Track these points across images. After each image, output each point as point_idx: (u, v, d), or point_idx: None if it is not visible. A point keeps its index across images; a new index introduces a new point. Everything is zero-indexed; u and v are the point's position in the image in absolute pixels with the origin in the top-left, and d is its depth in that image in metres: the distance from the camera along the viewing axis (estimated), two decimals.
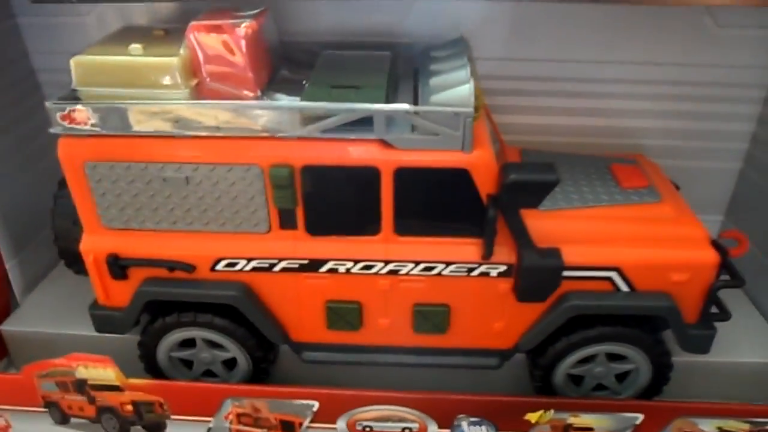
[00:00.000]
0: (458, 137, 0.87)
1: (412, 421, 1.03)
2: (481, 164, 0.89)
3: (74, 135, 0.91)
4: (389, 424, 1.04)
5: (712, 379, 1.10)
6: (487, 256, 0.92)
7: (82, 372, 1.03)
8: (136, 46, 0.93)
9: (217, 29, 0.92)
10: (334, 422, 1.04)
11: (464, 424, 1.02)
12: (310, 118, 0.88)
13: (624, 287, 0.98)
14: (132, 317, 1.03)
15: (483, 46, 1.16)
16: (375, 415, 1.03)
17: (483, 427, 1.02)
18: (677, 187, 1.16)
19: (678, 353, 1.03)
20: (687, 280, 0.96)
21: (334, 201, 0.94)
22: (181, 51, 0.92)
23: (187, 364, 1.10)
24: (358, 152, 0.89)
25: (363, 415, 1.03)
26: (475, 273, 0.97)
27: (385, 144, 0.89)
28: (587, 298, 0.97)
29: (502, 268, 0.96)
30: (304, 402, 1.03)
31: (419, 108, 0.86)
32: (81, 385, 1.04)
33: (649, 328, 1.01)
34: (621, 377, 1.07)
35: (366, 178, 0.91)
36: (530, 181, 0.86)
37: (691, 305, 0.99)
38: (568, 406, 0.99)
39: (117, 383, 1.03)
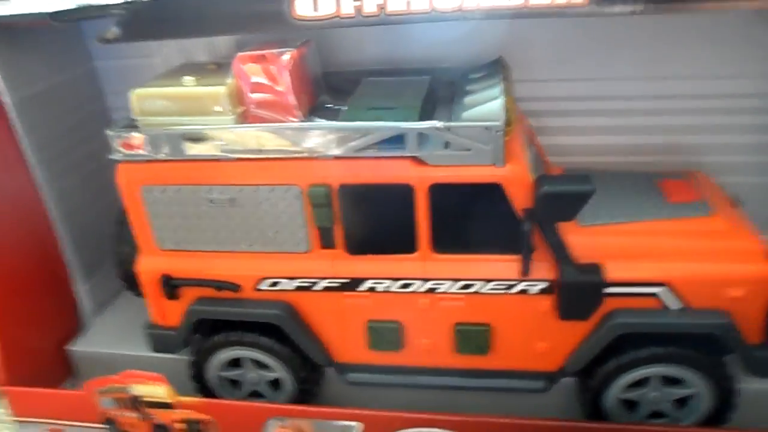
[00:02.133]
0: (489, 151, 0.87)
1: None
2: (514, 178, 0.88)
3: (131, 161, 0.98)
4: None
5: None
6: (525, 272, 0.91)
7: (137, 389, 1.08)
8: (189, 78, 1.00)
9: (261, 59, 0.98)
10: None
11: None
12: (346, 139, 0.91)
13: (674, 304, 0.93)
14: (183, 336, 1.07)
15: (525, 67, 1.16)
16: None
17: None
18: (739, 202, 1.11)
19: (749, 379, 0.97)
20: (743, 296, 0.91)
21: (371, 219, 0.96)
22: (228, 80, 0.98)
23: (236, 384, 1.13)
24: (392, 170, 0.91)
25: None
26: (515, 290, 0.95)
27: (419, 161, 0.91)
28: (634, 316, 0.93)
29: (543, 285, 0.94)
30: (347, 423, 1.03)
31: (450, 124, 0.88)
32: (135, 402, 1.09)
33: (708, 349, 0.95)
34: (681, 404, 1.00)
35: (401, 195, 0.92)
36: (564, 192, 0.85)
37: (753, 324, 0.93)
38: (617, 431, 0.94)
39: (169, 400, 1.07)
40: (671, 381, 0.98)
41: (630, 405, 1.01)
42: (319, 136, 0.92)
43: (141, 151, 0.97)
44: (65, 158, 1.23)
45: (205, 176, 0.97)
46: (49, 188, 1.19)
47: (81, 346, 1.26)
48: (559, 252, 0.91)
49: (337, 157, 0.93)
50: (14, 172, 1.15)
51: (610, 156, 1.25)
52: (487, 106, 0.89)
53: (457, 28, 1.17)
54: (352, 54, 1.23)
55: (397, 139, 0.90)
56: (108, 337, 1.27)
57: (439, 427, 1.00)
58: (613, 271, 0.92)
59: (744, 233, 0.95)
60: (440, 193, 0.91)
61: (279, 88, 0.98)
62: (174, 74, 1.05)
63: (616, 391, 0.99)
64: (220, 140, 0.95)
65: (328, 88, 1.11)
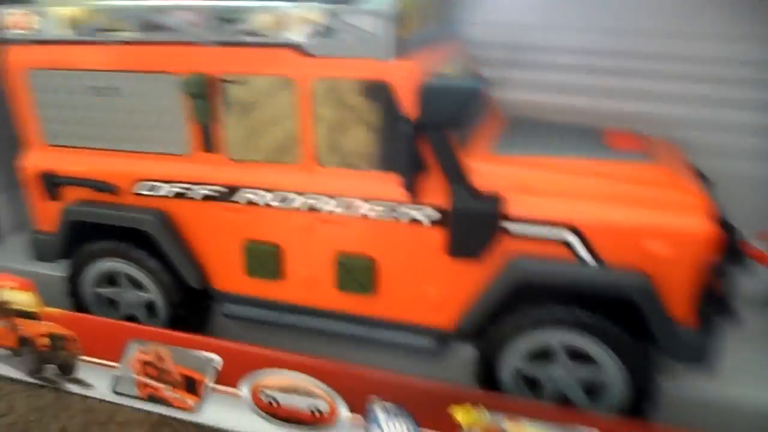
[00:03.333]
0: (378, 42, 0.76)
1: (321, 398, 0.86)
2: (404, 76, 0.76)
3: (20, 42, 0.92)
4: (296, 398, 0.87)
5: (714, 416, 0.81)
6: (406, 188, 0.76)
7: (7, 294, 1.00)
8: None
9: None
10: (237, 385, 0.90)
11: (379, 413, 0.83)
12: (224, 21, 0.82)
13: (587, 257, 0.77)
14: (61, 241, 0.99)
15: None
16: (281, 383, 0.88)
17: (400, 421, 0.82)
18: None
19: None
20: (669, 256, 0.74)
21: (253, 120, 0.85)
22: None
23: (113, 305, 1.03)
24: (272, 60, 0.81)
25: (268, 381, 0.88)
26: (404, 218, 0.81)
27: (303, 51, 0.80)
28: (535, 264, 0.77)
29: (436, 215, 0.80)
30: (208, 355, 0.91)
31: (335, 7, 0.77)
32: (4, 309, 1.00)
33: (625, 323, 0.77)
34: (592, 393, 0.82)
35: (284, 92, 0.81)
36: (446, 87, 0.72)
37: (681, 296, 0.75)
38: (503, 406, 0.77)
39: (35, 310, 0.98)
40: (580, 358, 0.80)
41: (533, 385, 0.84)
42: (197, 17, 0.83)
43: (28, 32, 0.91)
44: None
45: (88, 60, 0.90)
46: None
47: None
48: (451, 172, 0.77)
49: (220, 44, 0.83)
50: None
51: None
52: None
53: None
54: None
55: (280, 25, 0.80)
56: (23, 253, 1.21)
57: (302, 372, 0.86)
58: (516, 205, 0.77)
59: (684, 185, 0.78)
60: (324, 90, 0.80)
61: None
62: None
63: (512, 358, 0.82)
64: (107, 20, 0.87)
65: None
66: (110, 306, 1.03)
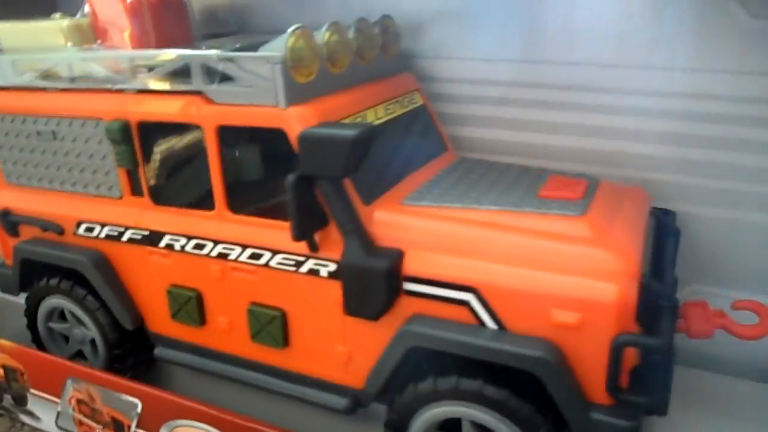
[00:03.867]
0: (271, 88, 0.73)
1: None
2: (298, 124, 0.73)
3: None
4: None
5: None
6: (295, 237, 0.72)
7: None
8: (56, 15, 0.98)
9: None
10: (157, 431, 0.89)
11: None
12: (139, 70, 0.83)
13: (489, 322, 0.69)
14: (16, 276, 1.03)
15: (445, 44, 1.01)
16: None
17: None
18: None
19: None
20: (577, 324, 0.65)
21: (171, 166, 0.85)
22: (78, 16, 0.95)
23: (67, 340, 1.05)
24: (181, 107, 0.80)
25: (183, 431, 0.87)
26: (304, 269, 0.77)
27: (206, 99, 0.79)
28: (428, 326, 0.71)
29: (333, 266, 0.75)
30: (130, 399, 0.90)
31: (230, 54, 0.75)
32: None
33: (538, 400, 0.69)
34: None
35: (193, 138, 0.81)
36: (323, 136, 0.67)
37: (594, 372, 0.66)
38: None
39: None
40: None
41: None
42: (117, 65, 0.84)
43: None
44: None
45: (32, 106, 0.93)
46: None
47: None
48: (344, 222, 0.72)
49: (139, 92, 0.84)
50: None
51: (549, 160, 1.01)
52: (277, 39, 0.75)
53: None
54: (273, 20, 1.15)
55: (187, 72, 0.79)
56: None
57: (208, 424, 0.83)
58: (413, 261, 0.72)
59: (609, 245, 0.68)
60: (229, 137, 0.78)
61: (123, 25, 0.92)
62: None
63: (420, 430, 0.75)
64: (44, 70, 0.91)
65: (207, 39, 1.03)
66: (64, 341, 1.05)
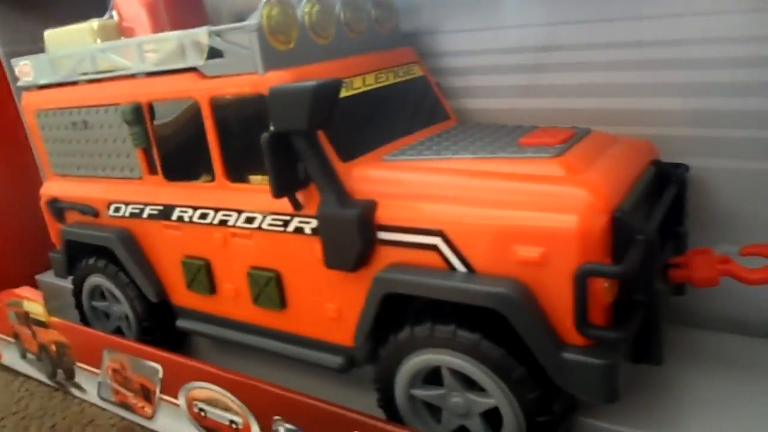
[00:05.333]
0: (250, 56, 0.78)
1: (237, 414, 0.87)
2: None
3: (28, 88, 1.09)
4: (218, 411, 0.89)
5: None
6: (274, 194, 0.75)
7: (27, 305, 1.16)
8: (94, 19, 1.09)
9: None
10: (176, 395, 0.94)
11: None
12: (144, 54, 0.90)
13: (458, 265, 0.69)
14: (65, 260, 1.13)
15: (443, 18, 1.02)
16: (207, 395, 0.90)
17: None
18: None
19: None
20: (540, 259, 0.63)
21: (178, 142, 0.91)
22: (106, 16, 1.05)
23: (108, 317, 1.14)
24: (180, 84, 0.87)
25: (197, 393, 0.91)
26: (290, 228, 0.81)
27: (200, 74, 0.84)
28: (398, 272, 0.71)
29: (315, 223, 0.78)
30: (152, 365, 0.96)
31: (215, 28, 0.81)
32: (26, 318, 1.17)
33: (509, 343, 0.68)
34: (495, 423, 0.72)
35: (193, 113, 0.87)
36: (284, 91, 0.70)
37: (558, 307, 0.64)
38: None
39: (44, 319, 1.13)
40: (473, 385, 0.71)
41: (435, 411, 0.76)
42: (126, 52, 0.92)
43: (29, 78, 1.08)
44: None
45: (67, 99, 1.03)
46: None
47: (47, 277, 1.40)
48: (318, 176, 0.75)
49: (149, 75, 0.91)
50: (4, 116, 1.36)
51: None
52: (257, 11, 0.79)
53: None
54: None
55: (184, 52, 0.85)
56: None
57: (217, 385, 0.88)
58: (385, 211, 0.73)
59: (579, 183, 0.66)
60: (221, 108, 0.83)
61: (143, 19, 1.01)
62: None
63: (403, 382, 0.75)
64: (70, 65, 1.01)
65: None
66: (106, 318, 1.14)
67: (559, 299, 0.64)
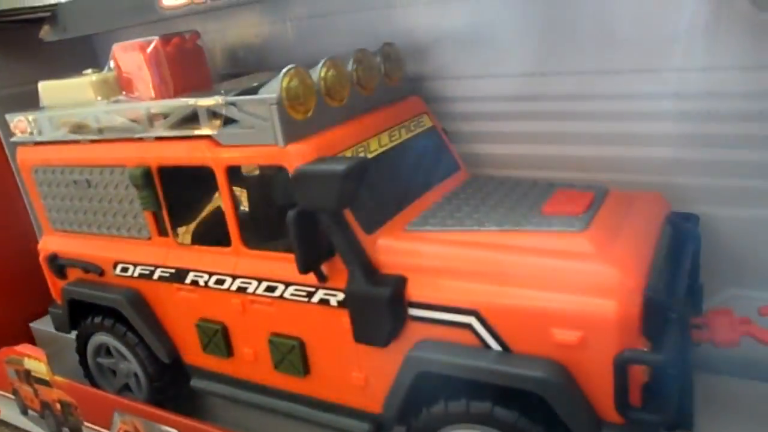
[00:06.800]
0: (270, 128, 0.76)
1: None
2: (298, 161, 0.75)
3: (25, 143, 1.06)
4: None
5: None
6: (300, 270, 0.75)
7: (28, 363, 1.13)
8: (88, 71, 1.06)
9: (132, 48, 0.99)
10: None
11: None
12: (154, 119, 0.88)
13: (492, 343, 0.69)
14: (66, 316, 1.10)
15: (453, 64, 1.02)
16: None
17: None
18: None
19: None
20: (578, 342, 0.64)
21: (190, 206, 0.90)
22: (105, 70, 1.02)
23: (115, 374, 1.11)
24: (193, 151, 0.85)
25: None
26: (315, 299, 0.80)
27: (215, 142, 0.83)
28: (433, 351, 0.71)
29: (341, 295, 0.77)
30: (170, 430, 0.95)
31: (232, 98, 0.79)
32: (27, 376, 1.14)
33: (552, 419, 0.68)
34: None
35: (206, 179, 0.85)
36: (313, 173, 0.70)
37: (601, 390, 0.65)
38: None
39: (47, 378, 1.10)
40: None
41: None
42: (134, 115, 0.89)
43: (26, 135, 1.04)
44: None
45: (68, 158, 1.00)
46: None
47: (41, 325, 1.36)
48: (346, 253, 0.74)
49: (157, 139, 0.89)
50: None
51: (562, 171, 1.00)
52: (274, 80, 0.78)
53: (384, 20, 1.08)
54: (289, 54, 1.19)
55: (196, 118, 0.83)
56: None
57: None
58: (416, 287, 0.73)
59: (611, 260, 0.67)
60: (237, 176, 0.82)
61: (143, 74, 0.98)
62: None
63: None
64: (76, 123, 0.97)
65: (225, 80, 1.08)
66: (113, 375, 1.12)
67: (597, 380, 0.65)
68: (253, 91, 0.81)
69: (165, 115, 0.87)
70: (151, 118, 0.88)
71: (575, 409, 0.65)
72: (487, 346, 0.70)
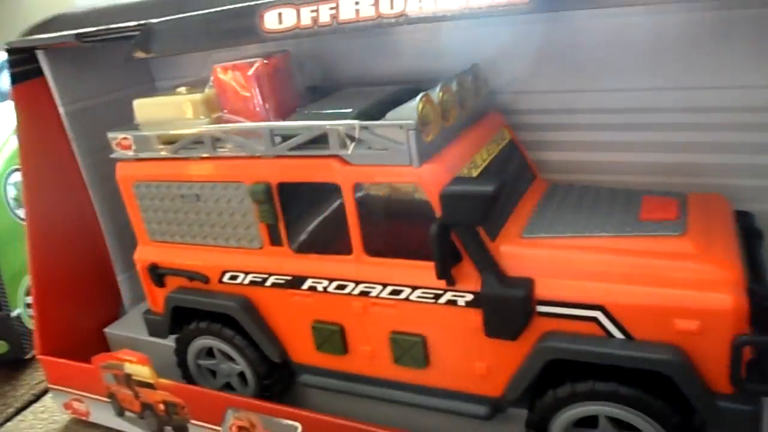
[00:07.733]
0: (404, 150, 0.85)
1: None
2: (430, 179, 0.85)
3: (125, 159, 1.11)
4: None
5: None
6: (439, 277, 0.85)
7: (129, 368, 1.19)
8: (182, 89, 1.11)
9: (233, 68, 1.06)
10: None
11: None
12: (279, 138, 0.95)
13: (616, 333, 0.81)
14: (167, 322, 1.17)
15: (523, 79, 1.12)
16: None
17: None
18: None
19: None
20: (698, 330, 0.76)
21: (310, 219, 0.98)
22: (206, 89, 1.08)
23: (214, 374, 1.19)
24: (319, 169, 0.93)
25: None
26: (442, 300, 0.90)
27: (343, 161, 0.91)
28: (565, 341, 0.83)
29: (470, 297, 0.88)
30: (290, 423, 1.04)
31: (367, 123, 0.87)
32: (128, 380, 1.20)
33: (665, 394, 0.80)
34: None
35: (332, 195, 0.93)
36: (462, 193, 0.79)
37: (715, 367, 0.77)
38: None
39: (152, 381, 1.17)
40: (628, 427, 0.84)
41: None
42: (257, 136, 0.96)
43: (129, 152, 1.10)
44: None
45: (176, 174, 1.07)
46: (96, 190, 1.37)
47: (115, 330, 1.42)
48: (480, 261, 0.85)
49: (276, 156, 0.96)
50: (68, 175, 1.36)
51: (625, 175, 1.12)
52: (405, 106, 0.87)
53: (456, 40, 1.17)
54: (355, 68, 1.27)
55: (323, 139, 0.91)
56: (140, 324, 1.41)
57: None
58: (543, 288, 0.83)
59: (714, 258, 0.79)
60: (366, 193, 0.91)
61: (246, 94, 1.05)
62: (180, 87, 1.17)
63: (560, 427, 0.87)
64: (186, 141, 1.04)
65: (315, 97, 1.15)
66: (211, 375, 1.19)
67: (712, 359, 0.77)
68: (376, 113, 0.90)
69: (287, 136, 0.94)
70: (273, 138, 0.95)
71: (696, 384, 0.77)
72: (611, 335, 0.81)
